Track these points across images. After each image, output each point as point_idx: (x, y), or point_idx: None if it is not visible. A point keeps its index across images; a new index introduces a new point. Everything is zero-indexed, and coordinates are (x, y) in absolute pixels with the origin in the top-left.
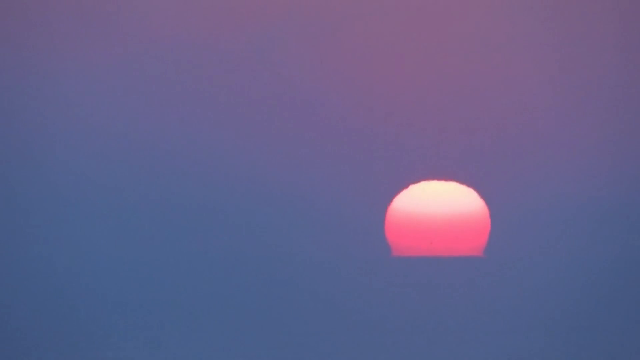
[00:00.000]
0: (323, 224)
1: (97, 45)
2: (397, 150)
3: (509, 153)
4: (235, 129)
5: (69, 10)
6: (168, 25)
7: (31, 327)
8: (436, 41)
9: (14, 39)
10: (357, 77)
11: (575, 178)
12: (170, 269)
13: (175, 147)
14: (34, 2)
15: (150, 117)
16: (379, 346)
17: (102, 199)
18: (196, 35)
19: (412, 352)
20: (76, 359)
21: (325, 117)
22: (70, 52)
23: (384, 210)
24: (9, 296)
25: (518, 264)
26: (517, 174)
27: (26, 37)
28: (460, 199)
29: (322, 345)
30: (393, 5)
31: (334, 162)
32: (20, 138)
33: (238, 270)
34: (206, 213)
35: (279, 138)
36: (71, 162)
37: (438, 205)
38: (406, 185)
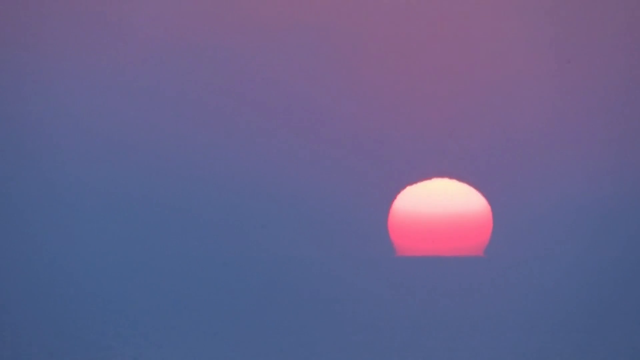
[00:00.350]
0: (326, 225)
1: (97, 45)
2: (400, 150)
3: (511, 152)
4: (237, 131)
5: (69, 11)
6: (168, 27)
7: (31, 327)
8: (438, 43)
9: (14, 39)
10: (361, 79)
11: (578, 178)
12: (171, 269)
13: (179, 148)
14: (33, 3)
15: (150, 117)
16: (382, 346)
17: (102, 199)
18: (196, 36)
19: (415, 351)
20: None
21: (327, 119)
22: (70, 52)
23: (387, 210)
24: (9, 296)
25: (520, 263)
26: (520, 174)
27: (25, 39)
28: (463, 198)
29: (326, 345)
30: (394, 8)
31: (337, 163)
32: (20, 138)
33: (242, 270)
34: (208, 213)
35: (282, 140)
36: (71, 162)
37: (441, 204)
38: (409, 185)
